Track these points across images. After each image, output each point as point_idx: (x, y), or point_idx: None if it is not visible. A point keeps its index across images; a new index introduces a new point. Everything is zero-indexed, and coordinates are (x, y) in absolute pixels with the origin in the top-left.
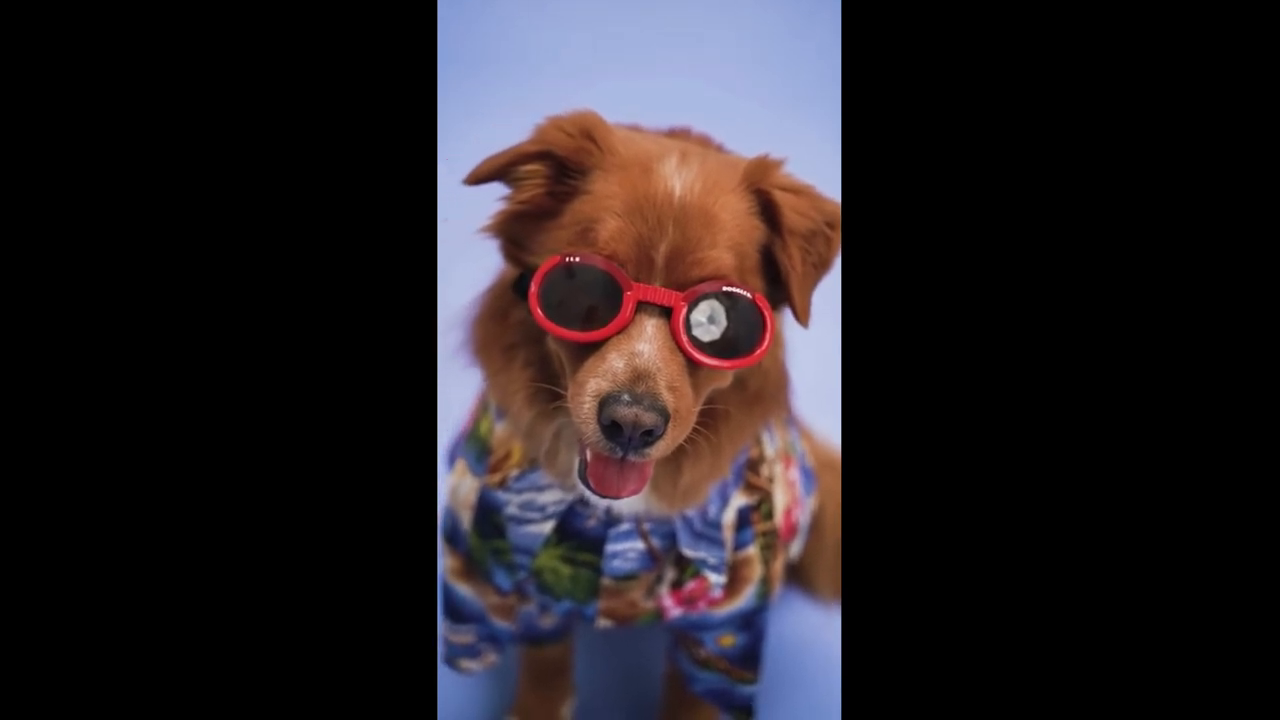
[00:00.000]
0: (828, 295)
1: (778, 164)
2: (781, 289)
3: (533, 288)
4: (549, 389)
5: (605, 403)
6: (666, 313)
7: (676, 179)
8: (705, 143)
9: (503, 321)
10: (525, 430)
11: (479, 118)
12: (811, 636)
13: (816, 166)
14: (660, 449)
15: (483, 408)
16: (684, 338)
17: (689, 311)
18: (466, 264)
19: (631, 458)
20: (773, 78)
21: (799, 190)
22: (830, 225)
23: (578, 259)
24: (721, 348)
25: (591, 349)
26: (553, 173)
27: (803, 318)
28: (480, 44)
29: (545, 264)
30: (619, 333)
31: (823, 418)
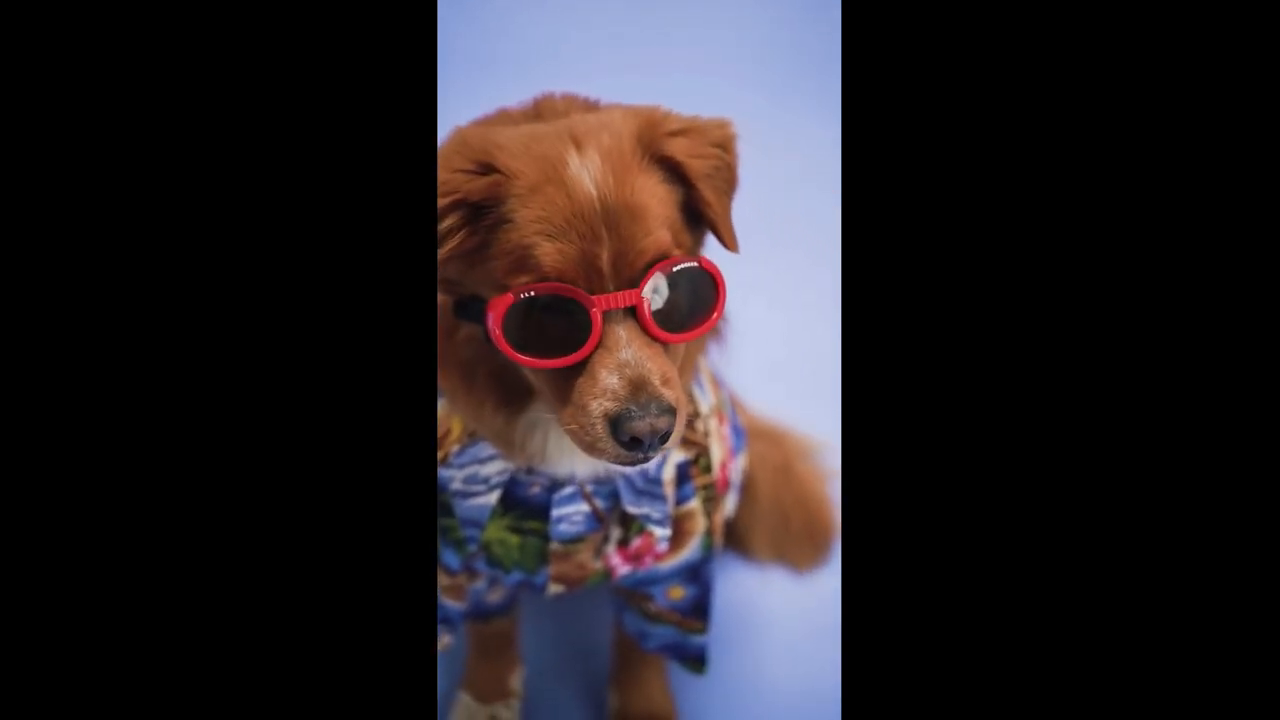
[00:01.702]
0: (827, 291)
1: (662, 117)
2: (703, 225)
3: (495, 329)
4: (515, 406)
5: (617, 422)
6: (631, 311)
7: (588, 179)
8: (573, 103)
9: (451, 339)
10: (497, 432)
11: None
12: (749, 596)
13: (817, 162)
14: (674, 440)
15: None
16: (655, 327)
17: (649, 291)
18: None
19: (651, 454)
20: (774, 74)
21: (688, 130)
22: (724, 148)
23: (532, 292)
24: (684, 317)
25: (574, 370)
26: (468, 215)
27: (731, 245)
28: (480, 44)
29: (500, 304)
30: (597, 348)
31: (821, 408)
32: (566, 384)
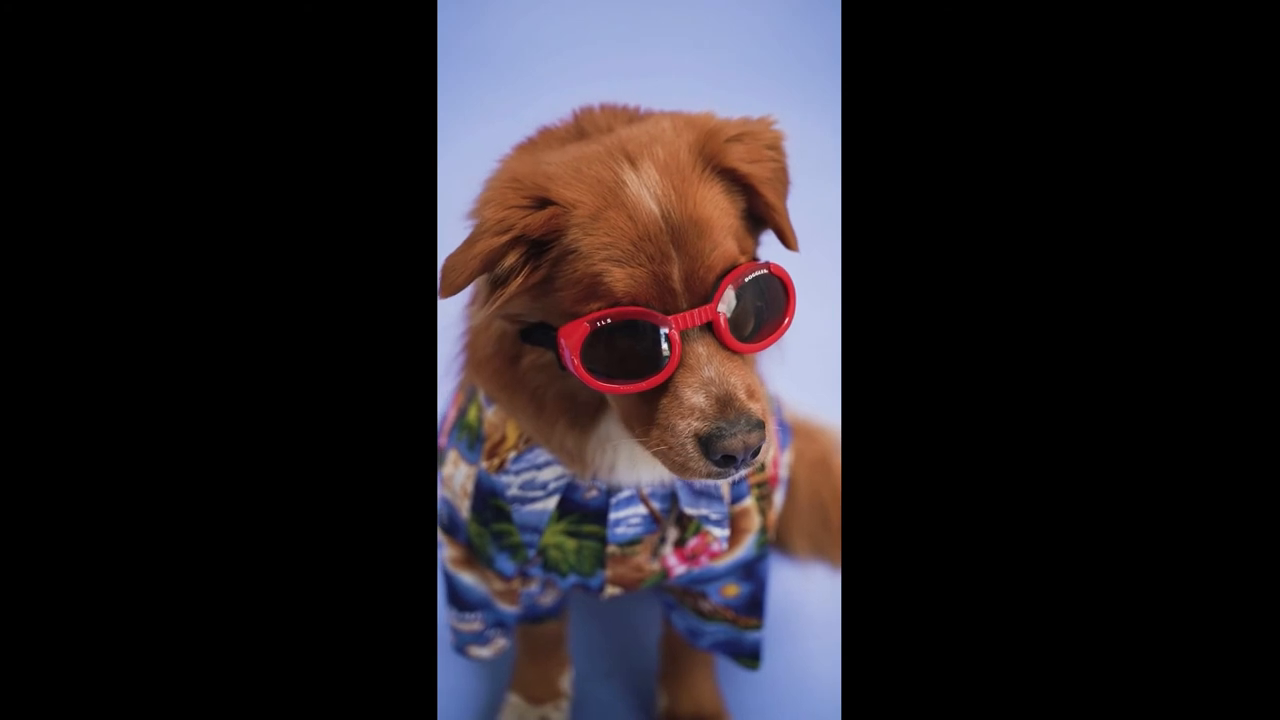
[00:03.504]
0: (827, 287)
1: (717, 127)
2: (760, 224)
3: (574, 360)
4: (584, 424)
5: (709, 441)
6: (708, 327)
7: (649, 197)
8: (615, 114)
9: (515, 365)
10: (567, 450)
11: (479, 118)
12: (791, 593)
13: (818, 161)
14: (765, 450)
15: (468, 396)
16: (732, 340)
17: (724, 305)
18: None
19: (744, 470)
20: (774, 74)
21: (743, 136)
22: (774, 149)
23: (609, 319)
24: (758, 324)
25: (656, 391)
26: (530, 251)
27: (793, 245)
28: (480, 44)
29: (575, 333)
30: (679, 367)
31: (824, 404)
32: (649, 406)
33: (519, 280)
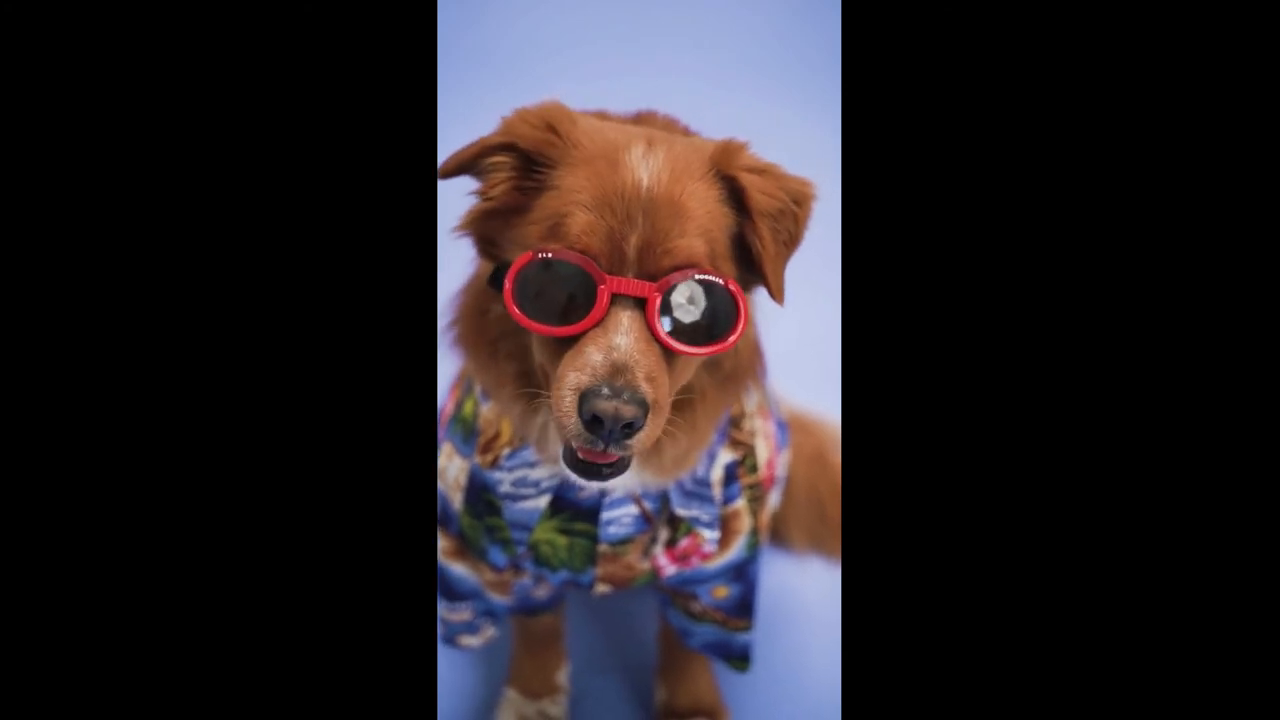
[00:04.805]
0: (828, 286)
1: (742, 147)
2: (753, 271)
3: (507, 284)
4: (534, 387)
5: (585, 397)
6: (641, 304)
7: (643, 169)
8: (672, 126)
9: (485, 316)
10: (517, 421)
11: (479, 118)
12: (786, 587)
13: (817, 157)
14: (641, 440)
15: (465, 390)
16: (659, 327)
17: (665, 299)
18: (465, 253)
19: (613, 450)
20: (775, 74)
21: (764, 170)
22: (797, 202)
23: (550, 254)
24: (698, 333)
25: (569, 343)
26: (519, 165)
27: (778, 296)
28: (480, 44)
29: (518, 260)
30: (595, 326)
31: (823, 394)
32: (558, 359)
33: (500, 187)
